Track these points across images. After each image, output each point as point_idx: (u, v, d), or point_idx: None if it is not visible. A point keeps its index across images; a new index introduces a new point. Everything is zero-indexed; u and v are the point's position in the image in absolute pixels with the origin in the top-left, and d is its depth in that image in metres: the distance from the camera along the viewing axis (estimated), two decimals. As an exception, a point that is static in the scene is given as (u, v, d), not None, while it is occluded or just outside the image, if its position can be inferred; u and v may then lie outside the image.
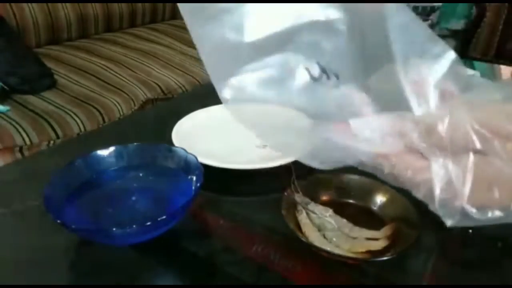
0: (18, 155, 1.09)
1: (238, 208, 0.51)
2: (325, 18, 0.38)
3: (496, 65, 0.99)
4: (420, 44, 0.37)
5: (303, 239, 0.41)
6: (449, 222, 0.38)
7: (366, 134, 0.39)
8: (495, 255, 0.44)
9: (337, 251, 0.40)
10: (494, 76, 0.94)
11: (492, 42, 1.02)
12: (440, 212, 0.38)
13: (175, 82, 1.53)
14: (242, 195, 0.54)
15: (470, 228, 0.48)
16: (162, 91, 1.47)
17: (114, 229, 0.38)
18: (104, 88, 1.39)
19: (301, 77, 0.42)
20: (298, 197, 0.45)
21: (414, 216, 0.42)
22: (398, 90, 0.37)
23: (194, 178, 0.45)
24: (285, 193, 0.46)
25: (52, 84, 1.36)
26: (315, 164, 0.40)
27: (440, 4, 0.86)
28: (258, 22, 0.38)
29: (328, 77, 0.41)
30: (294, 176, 0.47)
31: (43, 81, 1.34)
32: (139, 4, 2.06)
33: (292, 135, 0.42)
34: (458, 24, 0.87)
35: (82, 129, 1.21)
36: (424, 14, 0.87)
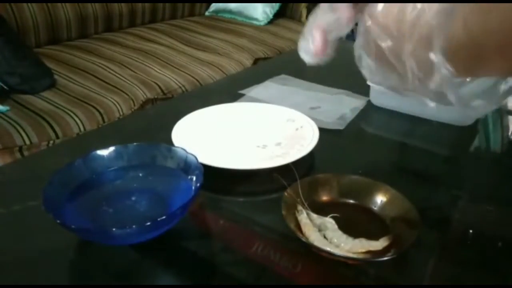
0: (18, 155, 1.09)
1: (238, 208, 0.51)
2: None
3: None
4: None
5: (303, 239, 0.41)
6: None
7: None
8: (495, 255, 0.44)
9: (337, 251, 0.40)
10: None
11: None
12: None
13: (175, 82, 1.53)
14: (242, 195, 0.54)
15: (470, 228, 0.48)
16: (162, 91, 1.47)
17: (114, 229, 0.38)
18: (104, 88, 1.39)
19: None
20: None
21: (414, 216, 0.42)
22: None
23: (194, 178, 0.45)
24: (285, 193, 0.46)
25: (52, 84, 1.36)
26: None
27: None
28: None
29: None
30: (297, 176, 0.47)
31: (43, 81, 1.34)
32: (139, 4, 2.06)
33: None
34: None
35: (82, 129, 1.21)
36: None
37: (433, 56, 0.26)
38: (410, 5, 0.27)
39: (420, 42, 0.27)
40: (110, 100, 1.33)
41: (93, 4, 1.84)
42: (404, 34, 0.27)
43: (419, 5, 0.27)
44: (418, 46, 0.27)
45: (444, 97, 0.29)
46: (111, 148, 0.49)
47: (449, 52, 0.26)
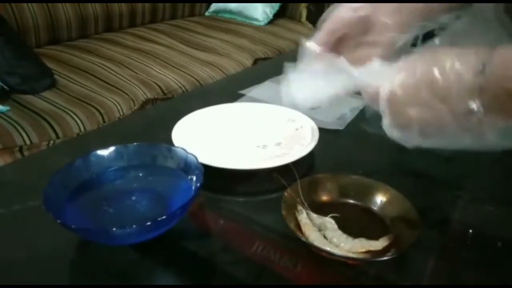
0: (18, 155, 1.09)
1: (238, 208, 0.51)
2: None
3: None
4: None
5: (303, 239, 0.41)
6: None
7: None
8: (495, 255, 0.44)
9: (337, 251, 0.40)
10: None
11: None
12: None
13: (175, 82, 1.53)
14: (242, 195, 0.54)
15: (470, 228, 0.48)
16: (162, 91, 1.47)
17: (114, 229, 0.38)
18: (104, 88, 1.39)
19: None
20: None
21: (414, 216, 0.42)
22: None
23: (194, 178, 0.45)
24: (285, 193, 0.46)
25: (52, 84, 1.36)
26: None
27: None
28: None
29: None
30: (297, 176, 0.47)
31: (43, 81, 1.34)
32: (139, 4, 2.06)
33: None
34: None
35: (82, 129, 1.21)
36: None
37: (473, 106, 0.31)
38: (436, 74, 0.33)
39: (459, 101, 0.32)
40: (110, 100, 1.33)
41: (93, 4, 1.84)
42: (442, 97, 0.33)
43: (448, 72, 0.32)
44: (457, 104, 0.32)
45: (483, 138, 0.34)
46: (111, 148, 0.49)
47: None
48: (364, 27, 0.43)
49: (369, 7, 0.42)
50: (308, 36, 0.44)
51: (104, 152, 0.49)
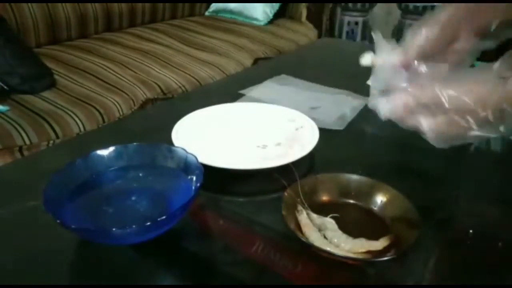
0: (18, 155, 1.09)
1: (238, 208, 0.51)
2: None
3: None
4: None
5: (303, 239, 0.41)
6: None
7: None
8: (495, 255, 0.44)
9: (337, 251, 0.40)
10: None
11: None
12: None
13: (175, 82, 1.53)
14: (242, 195, 0.54)
15: (470, 228, 0.48)
16: (162, 91, 1.47)
17: (114, 229, 0.38)
18: (104, 88, 1.39)
19: None
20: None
21: (414, 216, 0.42)
22: None
23: (194, 178, 0.45)
24: (285, 194, 0.46)
25: (52, 84, 1.36)
26: None
27: (439, 4, 0.87)
28: None
29: None
30: (297, 176, 0.47)
31: (43, 81, 1.34)
32: (139, 4, 2.06)
33: None
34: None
35: (82, 129, 1.21)
36: (424, 14, 0.87)
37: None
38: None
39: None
40: (110, 100, 1.33)
41: (93, 4, 1.84)
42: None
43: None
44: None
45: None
46: (111, 148, 0.49)
47: None
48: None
49: (455, 23, 0.42)
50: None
51: (104, 152, 0.49)
